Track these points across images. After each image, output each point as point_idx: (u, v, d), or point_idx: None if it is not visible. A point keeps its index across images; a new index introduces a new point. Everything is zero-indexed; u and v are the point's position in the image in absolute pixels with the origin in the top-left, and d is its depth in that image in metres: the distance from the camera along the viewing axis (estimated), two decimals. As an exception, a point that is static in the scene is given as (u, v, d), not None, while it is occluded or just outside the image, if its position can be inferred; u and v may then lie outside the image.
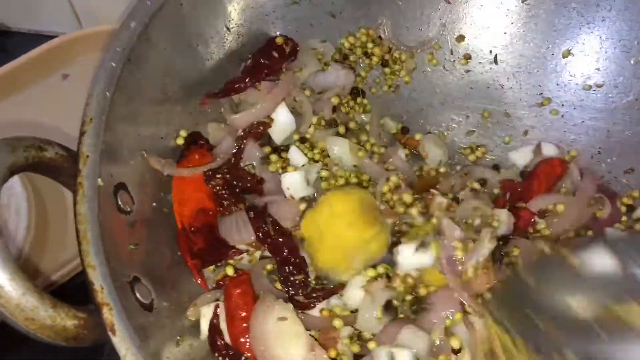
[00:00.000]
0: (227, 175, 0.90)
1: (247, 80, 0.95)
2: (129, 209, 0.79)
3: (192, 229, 0.85)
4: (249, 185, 0.91)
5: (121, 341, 0.65)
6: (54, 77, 1.18)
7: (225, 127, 0.94)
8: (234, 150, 0.93)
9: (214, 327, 0.81)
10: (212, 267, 0.88)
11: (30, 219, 1.02)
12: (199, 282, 0.86)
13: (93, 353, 0.98)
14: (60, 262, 1.02)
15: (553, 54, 1.04)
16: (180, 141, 0.92)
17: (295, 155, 0.93)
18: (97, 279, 0.67)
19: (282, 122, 0.94)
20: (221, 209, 0.90)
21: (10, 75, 1.14)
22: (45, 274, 1.01)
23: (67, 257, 1.03)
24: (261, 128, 0.94)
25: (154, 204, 0.85)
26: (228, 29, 0.99)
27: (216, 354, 0.80)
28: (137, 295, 0.73)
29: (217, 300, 0.83)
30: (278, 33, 1.04)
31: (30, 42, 1.17)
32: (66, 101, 1.00)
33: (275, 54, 1.00)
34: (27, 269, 0.99)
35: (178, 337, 0.78)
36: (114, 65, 0.80)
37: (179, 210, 0.86)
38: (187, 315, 0.82)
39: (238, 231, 0.87)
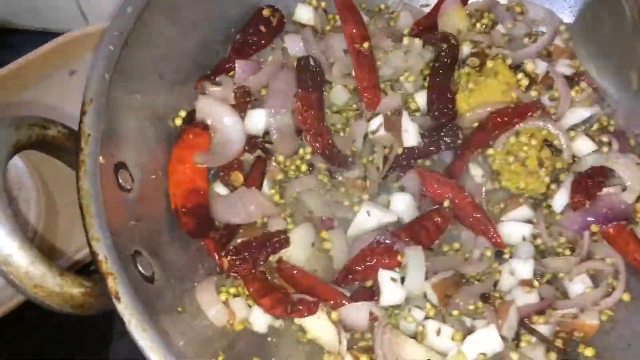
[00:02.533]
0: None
1: (236, 60, 0.99)
2: (129, 187, 0.82)
3: (184, 210, 0.88)
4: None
5: (125, 307, 0.68)
6: (61, 74, 1.19)
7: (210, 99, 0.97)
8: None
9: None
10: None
11: (40, 209, 1.04)
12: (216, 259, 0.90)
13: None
14: (77, 244, 1.04)
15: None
16: (178, 121, 0.95)
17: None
18: (102, 249, 0.70)
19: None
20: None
21: (18, 73, 1.15)
22: (67, 254, 1.04)
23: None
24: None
25: (153, 182, 0.88)
26: (219, 12, 1.01)
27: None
28: (139, 267, 0.77)
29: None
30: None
31: (37, 40, 1.18)
32: (73, 97, 1.00)
33: (263, 28, 1.02)
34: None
35: (179, 308, 0.81)
36: (112, 48, 0.83)
37: (173, 191, 0.89)
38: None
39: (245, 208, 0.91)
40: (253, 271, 0.88)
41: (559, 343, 0.86)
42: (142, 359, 0.68)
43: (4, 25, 1.34)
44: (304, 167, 0.97)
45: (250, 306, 0.87)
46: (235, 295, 0.86)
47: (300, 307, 0.83)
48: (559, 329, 0.88)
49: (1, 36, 1.33)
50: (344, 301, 0.86)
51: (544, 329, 0.87)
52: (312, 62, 0.98)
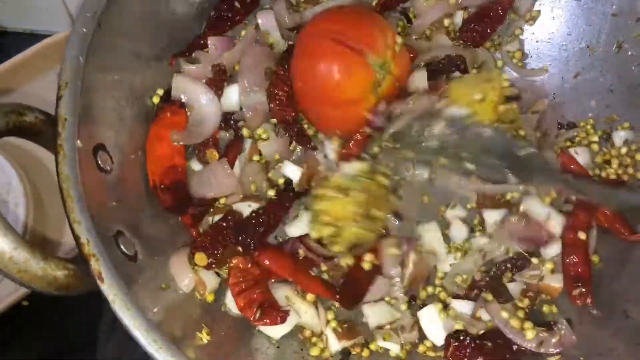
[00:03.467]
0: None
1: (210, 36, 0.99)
2: (108, 168, 0.84)
3: (162, 186, 0.90)
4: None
5: (109, 288, 0.71)
6: (49, 76, 1.18)
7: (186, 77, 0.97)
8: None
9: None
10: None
11: (29, 206, 1.07)
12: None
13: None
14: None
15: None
16: (156, 99, 0.96)
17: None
18: (83, 232, 0.73)
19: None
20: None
21: (6, 75, 1.15)
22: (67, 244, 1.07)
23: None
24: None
25: (132, 161, 0.90)
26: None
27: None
28: (122, 247, 0.79)
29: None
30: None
31: (25, 42, 1.17)
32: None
33: (237, 4, 1.02)
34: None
35: (162, 285, 0.84)
36: (85, 30, 0.83)
37: (151, 168, 0.91)
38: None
39: (217, 182, 0.93)
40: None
41: (525, 302, 0.91)
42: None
43: (-10, 28, 1.32)
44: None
45: (219, 275, 0.90)
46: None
47: (267, 319, 0.85)
48: (525, 288, 0.93)
49: (-12, 38, 1.32)
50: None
51: (512, 286, 0.92)
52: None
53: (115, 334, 1.06)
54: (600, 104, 1.03)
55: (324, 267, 0.92)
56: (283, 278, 0.90)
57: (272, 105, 0.96)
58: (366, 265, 0.90)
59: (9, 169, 1.08)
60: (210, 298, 0.89)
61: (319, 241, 0.88)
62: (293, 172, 0.96)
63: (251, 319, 0.86)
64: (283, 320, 0.86)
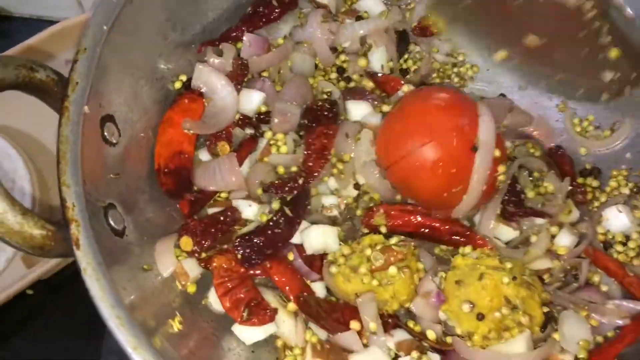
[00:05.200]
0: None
1: (243, 29, 0.98)
2: (114, 141, 0.83)
3: (166, 170, 0.89)
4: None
5: (84, 256, 0.69)
6: (57, 63, 1.14)
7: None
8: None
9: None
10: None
11: (35, 195, 1.08)
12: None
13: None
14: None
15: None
16: (178, 85, 0.96)
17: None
18: (70, 196, 0.71)
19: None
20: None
21: None
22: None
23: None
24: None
25: (140, 140, 0.89)
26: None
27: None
28: (110, 220, 0.77)
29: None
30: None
31: (33, 28, 1.16)
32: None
33: (275, 2, 1.01)
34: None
35: (145, 266, 0.81)
36: (114, 1, 0.83)
37: (159, 151, 0.90)
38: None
39: (222, 176, 0.91)
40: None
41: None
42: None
43: (-1, 13, 1.33)
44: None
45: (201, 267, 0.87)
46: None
47: (255, 319, 0.83)
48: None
49: (-4, 24, 1.32)
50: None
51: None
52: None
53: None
54: (636, 156, 0.97)
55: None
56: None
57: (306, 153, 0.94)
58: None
59: (15, 156, 1.08)
60: (191, 289, 0.86)
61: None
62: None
63: (238, 320, 0.83)
64: (272, 319, 0.83)
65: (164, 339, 0.73)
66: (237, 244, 0.86)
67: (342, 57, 1.03)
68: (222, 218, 0.89)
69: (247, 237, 0.86)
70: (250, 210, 0.91)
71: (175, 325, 0.78)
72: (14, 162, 1.09)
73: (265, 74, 1.00)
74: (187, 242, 0.85)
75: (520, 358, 0.78)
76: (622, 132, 0.98)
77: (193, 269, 0.86)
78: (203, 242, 0.86)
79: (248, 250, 0.86)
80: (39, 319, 1.09)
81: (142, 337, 0.67)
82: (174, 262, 0.85)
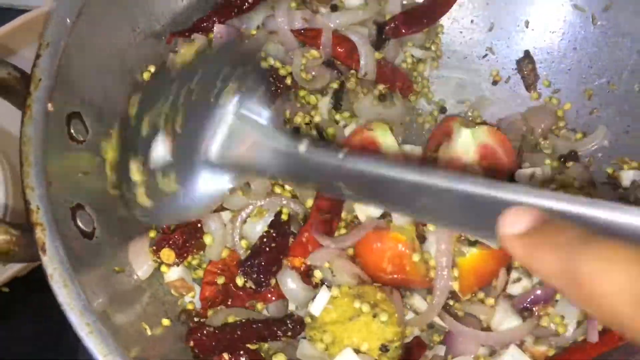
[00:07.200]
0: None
1: (214, 19, 0.95)
2: (81, 138, 0.79)
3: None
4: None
5: (50, 261, 0.66)
6: (29, 51, 1.10)
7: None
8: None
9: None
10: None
11: (8, 191, 1.03)
12: None
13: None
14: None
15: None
16: (146, 76, 0.92)
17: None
18: (34, 199, 0.68)
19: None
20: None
21: None
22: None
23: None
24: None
25: (111, 134, 0.86)
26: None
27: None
28: (78, 221, 0.74)
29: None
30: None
31: (3, 16, 1.11)
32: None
33: None
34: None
35: (116, 267, 0.79)
36: (77, -8, 0.79)
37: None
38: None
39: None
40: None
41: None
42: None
43: (-32, 3, 1.28)
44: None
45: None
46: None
47: None
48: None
49: (-34, 14, 1.26)
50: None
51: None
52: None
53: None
54: (613, 145, 0.96)
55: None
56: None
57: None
58: None
59: None
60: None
61: None
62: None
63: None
64: None
65: (137, 344, 0.71)
66: (241, 272, 0.85)
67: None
68: (199, 225, 0.87)
69: (248, 263, 0.85)
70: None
71: (149, 328, 0.76)
72: None
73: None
74: (169, 255, 0.84)
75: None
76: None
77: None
78: (185, 254, 0.85)
79: (254, 276, 0.85)
80: (15, 316, 1.07)
81: (113, 344, 0.65)
82: (150, 263, 0.83)
